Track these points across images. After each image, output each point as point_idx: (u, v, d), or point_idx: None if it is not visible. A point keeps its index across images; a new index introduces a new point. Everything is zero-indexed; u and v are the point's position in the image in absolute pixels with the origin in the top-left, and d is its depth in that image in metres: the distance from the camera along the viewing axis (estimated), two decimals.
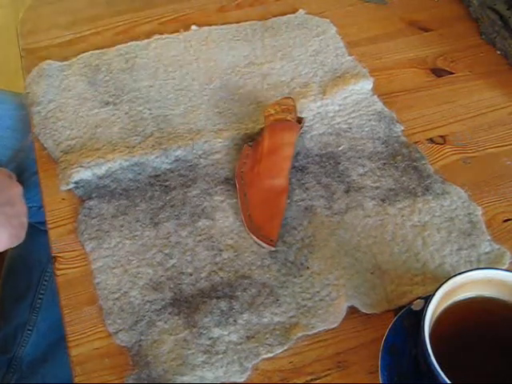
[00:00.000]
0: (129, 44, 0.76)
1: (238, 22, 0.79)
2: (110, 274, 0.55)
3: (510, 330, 0.45)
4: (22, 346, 0.73)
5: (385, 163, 0.63)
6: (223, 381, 0.48)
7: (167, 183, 0.61)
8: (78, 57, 0.74)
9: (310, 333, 0.51)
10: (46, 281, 0.74)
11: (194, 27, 0.78)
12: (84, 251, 0.57)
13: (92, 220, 0.58)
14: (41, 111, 0.68)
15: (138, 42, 0.76)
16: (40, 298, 0.74)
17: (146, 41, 0.76)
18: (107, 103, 0.69)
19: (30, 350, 0.73)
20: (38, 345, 0.73)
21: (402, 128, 0.66)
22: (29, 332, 0.73)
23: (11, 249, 0.81)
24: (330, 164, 0.63)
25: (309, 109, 0.68)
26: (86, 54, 0.75)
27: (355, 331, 0.51)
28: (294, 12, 0.81)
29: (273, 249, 0.56)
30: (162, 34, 0.77)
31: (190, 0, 0.83)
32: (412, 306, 0.49)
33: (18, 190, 0.61)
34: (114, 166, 0.62)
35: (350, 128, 0.66)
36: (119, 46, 0.76)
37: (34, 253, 0.77)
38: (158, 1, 0.83)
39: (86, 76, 0.72)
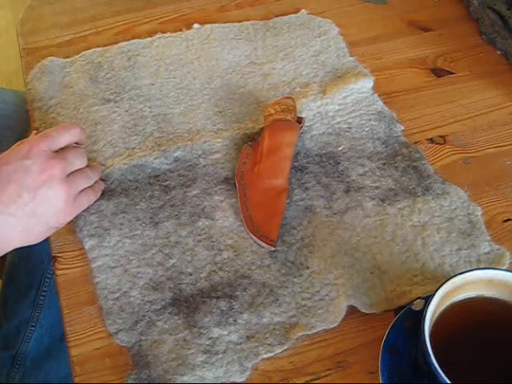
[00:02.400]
0: (131, 42, 0.76)
1: (238, 22, 0.79)
2: (109, 273, 0.55)
3: (509, 330, 0.45)
4: (25, 342, 0.73)
5: (385, 163, 0.63)
6: (223, 381, 0.48)
7: (167, 183, 0.61)
8: (81, 54, 0.74)
9: (309, 332, 0.51)
10: (48, 278, 0.74)
11: (196, 25, 0.78)
12: (83, 250, 0.57)
13: (91, 216, 0.58)
14: (41, 107, 0.68)
15: (141, 40, 0.76)
16: (43, 296, 0.74)
17: (149, 39, 0.76)
18: (108, 100, 0.69)
19: (33, 346, 0.73)
20: (41, 340, 0.73)
21: (402, 128, 0.66)
22: (32, 328, 0.73)
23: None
24: (329, 164, 0.63)
25: (309, 108, 0.68)
26: (89, 51, 0.75)
27: (355, 331, 0.51)
28: (294, 12, 0.81)
29: (273, 248, 0.56)
30: (163, 33, 0.77)
31: (189, 0, 0.83)
32: (412, 306, 0.49)
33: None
34: (113, 171, 0.62)
35: (350, 128, 0.66)
36: (122, 44, 0.76)
37: (36, 250, 0.77)
38: (158, 1, 0.83)
39: (87, 73, 0.72)
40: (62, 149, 0.55)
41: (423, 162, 0.63)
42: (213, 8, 0.82)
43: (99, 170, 0.60)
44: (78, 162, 0.56)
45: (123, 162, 0.63)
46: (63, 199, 0.53)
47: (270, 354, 0.50)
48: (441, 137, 0.66)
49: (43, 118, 0.67)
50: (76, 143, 0.58)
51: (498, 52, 0.76)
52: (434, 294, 0.43)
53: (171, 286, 0.54)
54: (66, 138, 0.55)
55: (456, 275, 0.45)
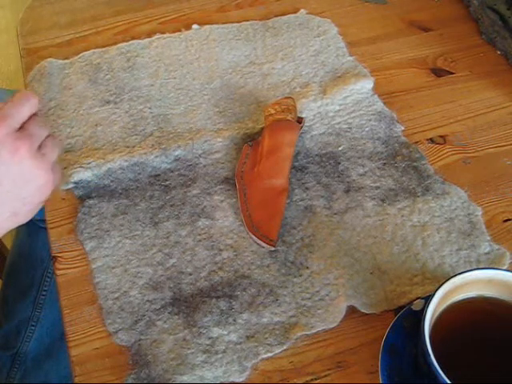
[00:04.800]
0: (130, 43, 0.76)
1: (238, 22, 0.79)
2: (109, 273, 0.55)
3: (510, 330, 0.45)
4: (26, 342, 0.73)
5: (385, 163, 0.63)
6: (222, 380, 0.48)
7: (167, 183, 0.61)
8: (80, 55, 0.74)
9: (309, 332, 0.51)
10: (48, 277, 0.74)
11: (195, 26, 0.78)
12: (84, 251, 0.57)
13: (92, 219, 0.58)
14: (41, 109, 0.68)
15: (140, 41, 0.76)
16: (43, 295, 0.74)
17: (148, 40, 0.77)
18: (108, 102, 0.69)
19: (34, 346, 0.73)
20: (41, 340, 0.73)
21: (402, 128, 0.66)
22: (32, 328, 0.73)
23: (13, 246, 0.81)
24: (329, 164, 0.63)
25: (309, 108, 0.68)
26: (88, 52, 0.75)
27: (355, 331, 0.51)
28: (293, 12, 0.81)
29: (273, 248, 0.56)
30: (162, 33, 0.77)
31: (189, 0, 0.83)
32: (412, 306, 0.49)
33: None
34: (114, 167, 0.62)
35: (350, 128, 0.66)
36: (121, 45, 0.76)
37: (36, 250, 0.77)
38: (158, 1, 0.83)
39: (87, 74, 0.72)
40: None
41: (423, 161, 0.63)
42: (213, 8, 0.82)
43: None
44: (43, 132, 0.53)
45: (124, 158, 0.63)
46: (43, 175, 0.52)
47: (270, 354, 0.50)
48: (441, 137, 0.66)
49: (43, 121, 0.67)
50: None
51: (498, 52, 0.76)
52: (433, 294, 0.43)
53: (171, 285, 0.54)
54: (25, 112, 0.52)
55: (456, 275, 0.45)
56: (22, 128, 0.52)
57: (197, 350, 0.50)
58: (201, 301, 0.53)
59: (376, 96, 0.70)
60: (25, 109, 0.52)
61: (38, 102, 0.54)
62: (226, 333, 0.51)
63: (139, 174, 0.62)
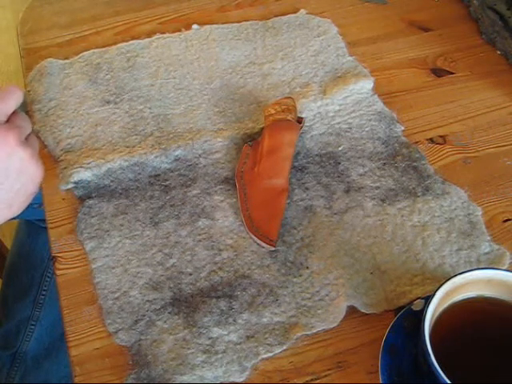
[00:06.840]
0: (130, 43, 0.76)
1: (238, 22, 0.79)
2: (109, 273, 0.55)
3: (510, 330, 0.45)
4: (25, 341, 0.73)
5: (385, 163, 0.63)
6: (222, 380, 0.48)
7: (167, 183, 0.61)
8: (80, 55, 0.74)
9: (309, 332, 0.51)
10: (48, 277, 0.75)
11: (195, 26, 0.78)
12: (84, 251, 0.57)
13: (92, 219, 0.58)
14: (41, 109, 0.68)
15: (140, 41, 0.76)
16: (43, 295, 0.74)
17: (148, 40, 0.76)
18: (108, 102, 0.69)
19: (34, 345, 0.73)
20: (41, 340, 0.73)
21: (402, 128, 0.66)
22: (32, 327, 0.73)
23: (13, 246, 0.81)
24: (329, 164, 0.63)
25: (309, 109, 0.68)
26: (88, 52, 0.75)
27: (355, 331, 0.51)
28: (294, 12, 0.81)
29: (273, 248, 0.56)
30: (162, 33, 0.77)
31: (189, 0, 0.83)
32: (412, 306, 0.49)
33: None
34: (114, 167, 0.62)
35: (350, 128, 0.66)
36: (120, 45, 0.76)
37: (36, 250, 0.77)
38: (158, 1, 0.83)
39: (87, 74, 0.72)
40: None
41: (423, 161, 0.63)
42: (213, 8, 0.82)
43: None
44: (28, 125, 0.54)
45: (124, 158, 0.63)
46: (33, 164, 0.53)
47: (270, 354, 0.50)
48: (441, 137, 0.66)
49: (43, 120, 0.67)
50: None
51: (498, 52, 0.76)
52: (434, 294, 0.43)
53: (171, 285, 0.54)
54: (11, 105, 0.53)
55: (456, 275, 0.45)
56: (8, 121, 0.52)
57: (197, 350, 0.50)
58: (201, 301, 0.53)
59: (376, 96, 0.70)
60: (11, 101, 0.53)
61: (24, 95, 0.54)
62: (226, 333, 0.51)
63: (139, 174, 0.62)
